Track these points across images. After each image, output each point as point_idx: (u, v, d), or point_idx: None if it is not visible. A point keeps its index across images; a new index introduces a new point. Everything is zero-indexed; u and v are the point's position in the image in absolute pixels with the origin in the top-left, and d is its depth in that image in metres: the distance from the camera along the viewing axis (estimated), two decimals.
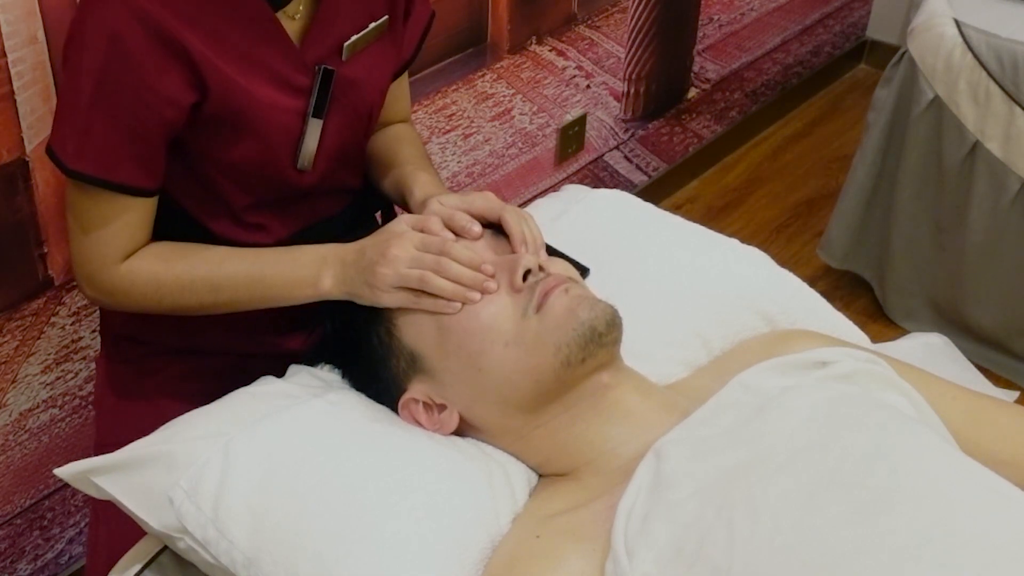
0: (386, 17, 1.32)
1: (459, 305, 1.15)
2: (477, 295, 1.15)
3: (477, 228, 1.21)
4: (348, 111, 1.31)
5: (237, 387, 1.27)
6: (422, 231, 1.20)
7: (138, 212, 1.24)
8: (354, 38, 1.28)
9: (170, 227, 1.29)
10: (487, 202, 1.24)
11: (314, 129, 1.28)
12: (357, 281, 1.20)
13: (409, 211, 1.33)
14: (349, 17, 1.29)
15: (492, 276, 1.16)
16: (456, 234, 1.20)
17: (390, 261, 1.17)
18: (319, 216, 1.38)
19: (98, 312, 1.51)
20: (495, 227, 1.24)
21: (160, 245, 1.28)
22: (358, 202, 1.45)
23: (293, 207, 1.35)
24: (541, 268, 1.17)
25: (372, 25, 1.30)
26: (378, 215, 1.52)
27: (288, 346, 1.41)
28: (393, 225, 1.21)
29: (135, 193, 1.22)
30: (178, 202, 1.30)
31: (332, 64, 1.27)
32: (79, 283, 1.29)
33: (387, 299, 1.18)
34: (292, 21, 1.25)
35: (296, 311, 1.29)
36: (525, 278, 1.16)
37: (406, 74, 1.48)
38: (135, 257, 1.26)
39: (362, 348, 1.24)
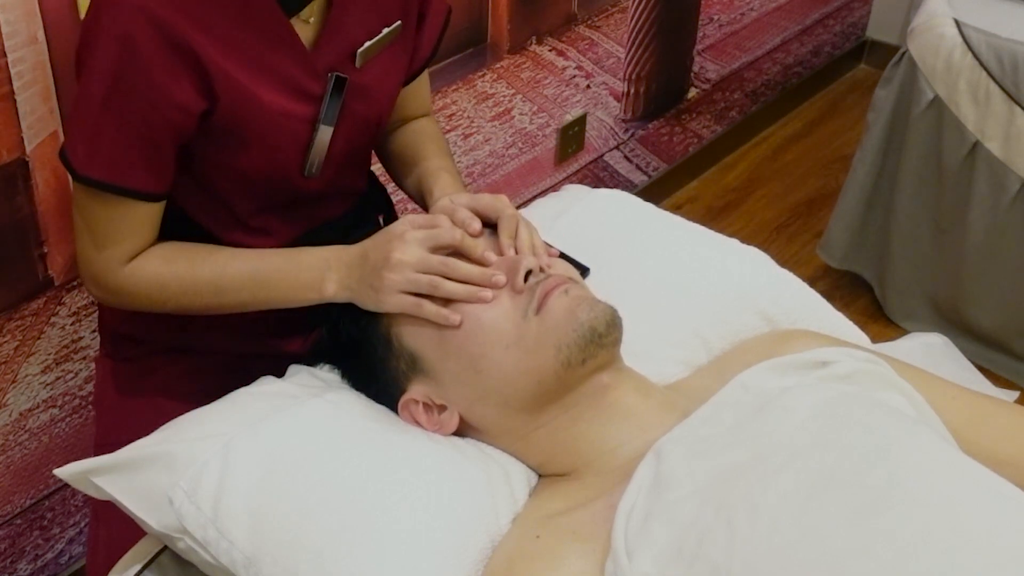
0: (399, 23, 1.30)
1: (459, 318, 1.14)
2: (489, 294, 1.15)
3: (477, 224, 1.20)
4: (357, 118, 1.30)
5: (237, 387, 1.27)
6: (430, 227, 1.18)
7: (146, 214, 1.23)
8: (367, 44, 1.26)
9: (174, 231, 1.28)
10: (494, 201, 1.23)
11: (324, 136, 1.26)
12: (361, 285, 1.19)
13: (426, 211, 1.32)
14: (361, 21, 1.27)
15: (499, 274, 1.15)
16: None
17: (395, 266, 1.16)
18: (323, 219, 1.38)
19: (97, 312, 1.51)
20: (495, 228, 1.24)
21: (165, 246, 1.27)
22: (361, 204, 1.44)
23: (298, 211, 1.34)
24: (542, 269, 1.18)
25: (385, 31, 1.28)
26: (380, 218, 1.51)
27: (288, 348, 1.41)
28: (394, 226, 1.19)
29: (144, 198, 1.21)
30: (182, 207, 1.30)
31: (345, 71, 1.26)
32: (85, 283, 1.29)
33: (391, 303, 1.17)
34: (306, 25, 1.23)
35: (296, 313, 1.28)
36: (526, 279, 1.16)
37: (425, 70, 1.46)
38: (140, 258, 1.25)
39: (362, 349, 1.24)
